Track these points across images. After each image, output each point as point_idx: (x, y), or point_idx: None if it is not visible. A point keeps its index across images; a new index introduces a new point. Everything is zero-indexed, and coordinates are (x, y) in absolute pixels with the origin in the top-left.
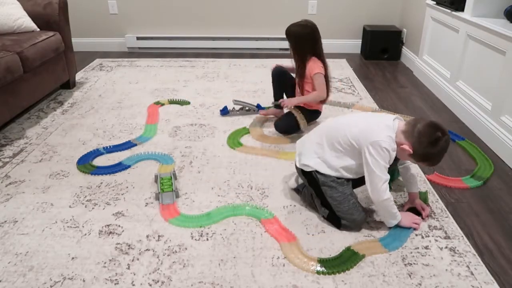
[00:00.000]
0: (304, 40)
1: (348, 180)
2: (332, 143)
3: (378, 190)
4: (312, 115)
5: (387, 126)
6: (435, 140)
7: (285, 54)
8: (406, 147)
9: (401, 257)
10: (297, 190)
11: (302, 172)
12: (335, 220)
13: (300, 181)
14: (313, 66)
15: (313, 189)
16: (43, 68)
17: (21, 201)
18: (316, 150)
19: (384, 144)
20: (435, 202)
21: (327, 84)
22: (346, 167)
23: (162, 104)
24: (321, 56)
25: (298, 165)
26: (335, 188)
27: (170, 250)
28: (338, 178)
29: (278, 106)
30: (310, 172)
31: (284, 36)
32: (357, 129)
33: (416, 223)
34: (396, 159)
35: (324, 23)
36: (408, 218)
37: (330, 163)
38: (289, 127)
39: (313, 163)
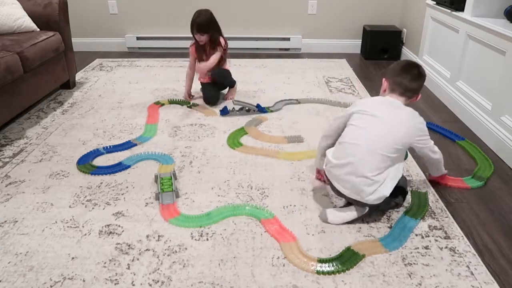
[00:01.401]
0: (216, 22)
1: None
2: (387, 156)
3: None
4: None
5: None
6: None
7: (285, 54)
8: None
9: (401, 257)
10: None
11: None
12: (405, 195)
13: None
14: (221, 41)
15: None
16: (43, 68)
17: (21, 201)
18: (381, 173)
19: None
20: (435, 202)
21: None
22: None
23: (162, 104)
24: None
25: (371, 202)
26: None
27: (170, 250)
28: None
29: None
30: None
31: (284, 36)
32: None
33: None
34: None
35: (324, 23)
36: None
37: (394, 173)
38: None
39: (390, 188)
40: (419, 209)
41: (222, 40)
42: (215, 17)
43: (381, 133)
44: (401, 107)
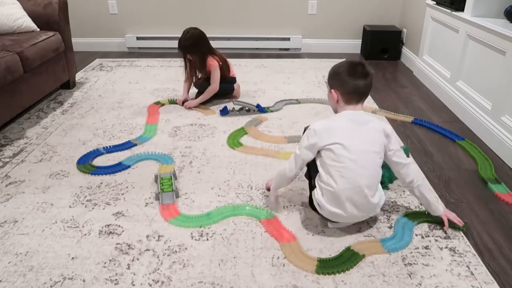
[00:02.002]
0: (202, 42)
1: None
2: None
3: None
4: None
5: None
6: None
7: (285, 54)
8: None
9: (401, 257)
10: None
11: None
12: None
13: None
14: (212, 62)
15: None
16: (43, 68)
17: (21, 201)
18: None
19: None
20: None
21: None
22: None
23: (162, 104)
24: (213, 52)
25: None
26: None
27: (170, 250)
28: None
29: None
30: None
31: (284, 36)
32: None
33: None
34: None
35: (324, 23)
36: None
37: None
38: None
39: (381, 195)
40: (420, 213)
41: (211, 60)
42: (205, 34)
43: (369, 164)
44: (368, 120)
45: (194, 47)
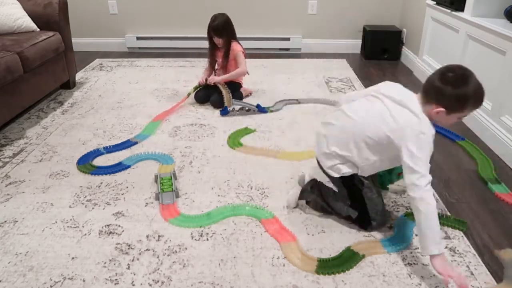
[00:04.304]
0: (231, 27)
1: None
2: (359, 142)
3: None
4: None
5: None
6: (460, 76)
7: (285, 54)
8: (437, 108)
9: (401, 257)
10: (302, 193)
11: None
12: (365, 221)
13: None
14: (237, 47)
15: (347, 190)
16: (43, 68)
17: (21, 201)
18: (343, 154)
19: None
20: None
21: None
22: (370, 164)
23: (189, 94)
24: (237, 40)
25: (326, 170)
26: (370, 189)
27: (170, 250)
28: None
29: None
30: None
31: (284, 36)
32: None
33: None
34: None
35: (324, 23)
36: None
37: (359, 164)
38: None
39: (347, 168)
40: None
41: (235, 45)
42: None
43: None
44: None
45: (224, 30)
